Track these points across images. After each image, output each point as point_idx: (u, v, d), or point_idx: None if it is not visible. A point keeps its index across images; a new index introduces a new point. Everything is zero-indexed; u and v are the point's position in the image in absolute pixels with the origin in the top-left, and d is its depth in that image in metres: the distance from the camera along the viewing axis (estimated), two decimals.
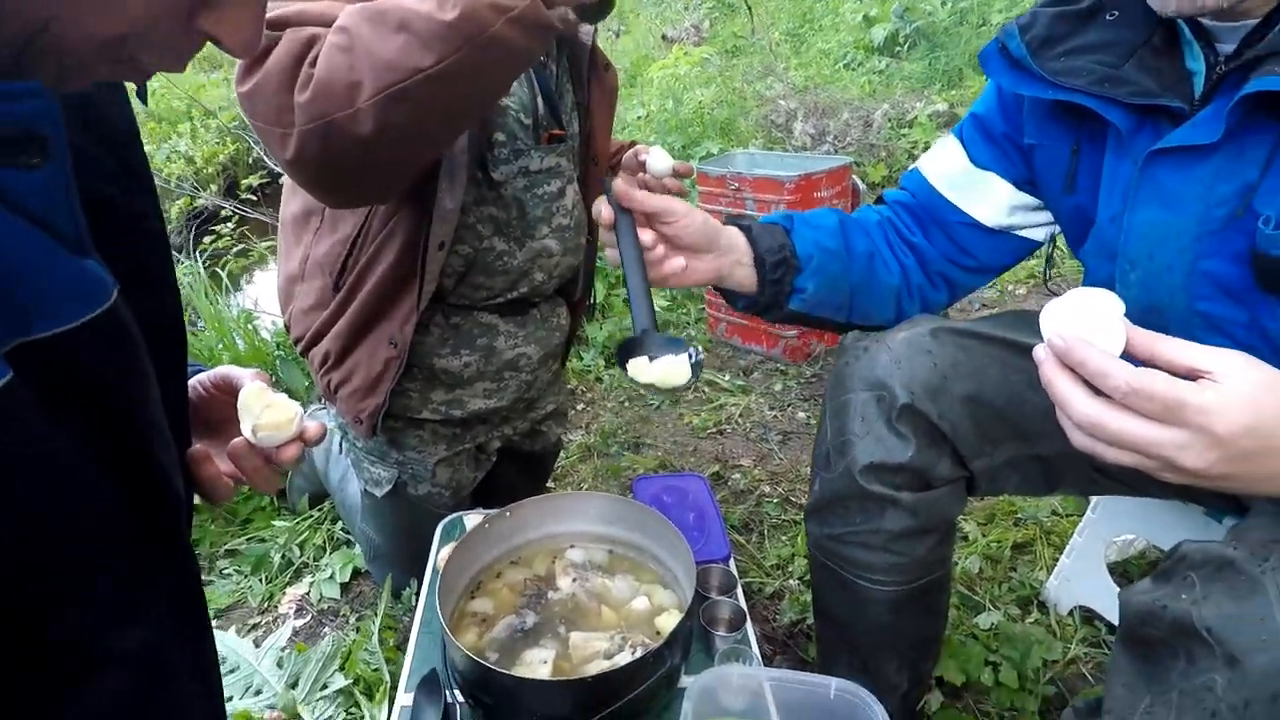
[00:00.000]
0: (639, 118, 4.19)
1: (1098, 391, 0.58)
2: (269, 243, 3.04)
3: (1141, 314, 0.85)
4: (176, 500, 0.58)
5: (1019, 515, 1.73)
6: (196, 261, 2.33)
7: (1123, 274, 0.87)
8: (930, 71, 5.14)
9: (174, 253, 2.46)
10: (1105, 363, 0.57)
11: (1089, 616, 1.45)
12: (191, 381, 0.76)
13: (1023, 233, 1.07)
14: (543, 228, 1.31)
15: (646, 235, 0.92)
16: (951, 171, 1.08)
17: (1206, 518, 1.11)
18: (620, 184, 0.93)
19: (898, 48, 5.56)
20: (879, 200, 1.16)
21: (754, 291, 1.02)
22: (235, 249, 3.15)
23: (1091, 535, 1.42)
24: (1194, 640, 0.61)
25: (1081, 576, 1.44)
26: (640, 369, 0.90)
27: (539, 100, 1.27)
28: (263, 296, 2.66)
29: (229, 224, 3.34)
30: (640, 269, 0.91)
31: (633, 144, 1.53)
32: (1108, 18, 0.82)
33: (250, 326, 2.21)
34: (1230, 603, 0.60)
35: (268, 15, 0.90)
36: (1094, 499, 1.42)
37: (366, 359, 1.27)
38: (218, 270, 2.65)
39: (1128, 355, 0.59)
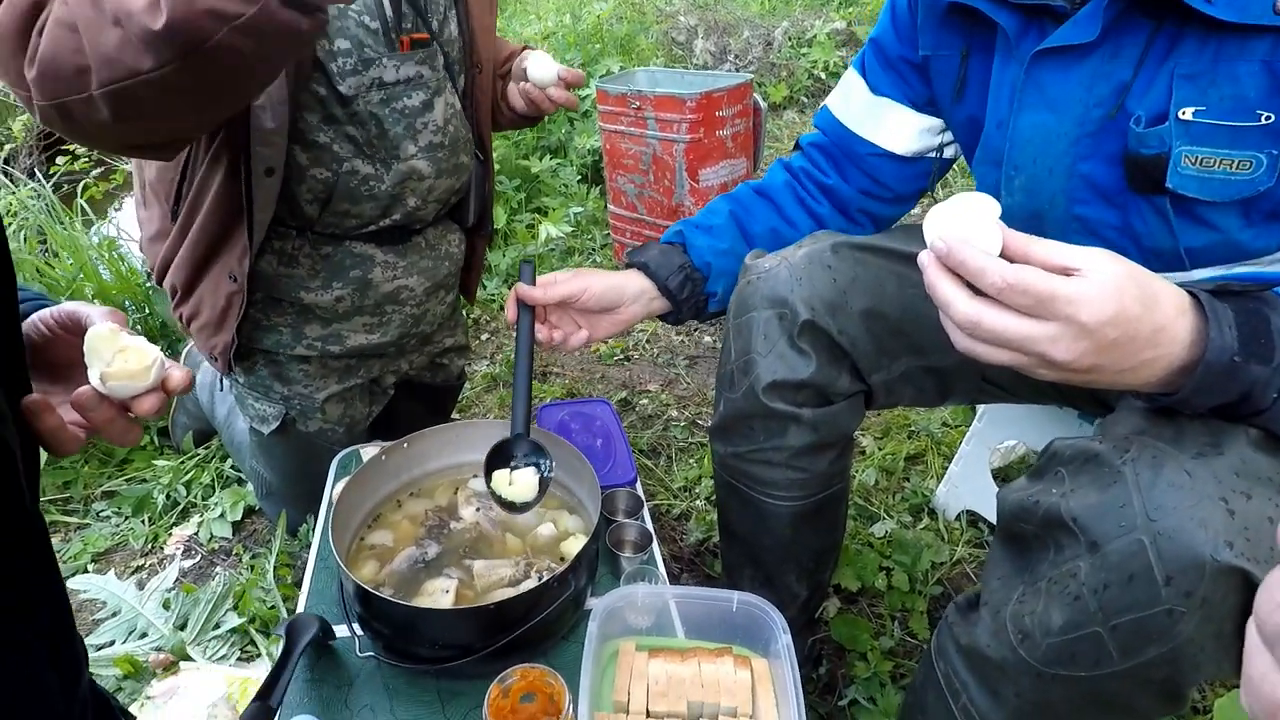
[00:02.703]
0: (535, 33, 3.99)
1: (978, 293, 0.59)
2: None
3: (1025, 219, 0.88)
4: (10, 466, 0.51)
5: (912, 428, 1.81)
6: (44, 184, 2.09)
7: (1008, 180, 0.88)
8: None
9: (14, 172, 2.20)
10: (982, 261, 0.58)
11: (974, 520, 1.54)
12: (32, 319, 0.67)
13: (935, 154, 1.07)
14: (408, 146, 1.18)
15: (542, 333, 1.04)
16: (856, 104, 1.08)
17: (1080, 420, 1.18)
18: (524, 286, 1.02)
19: None
20: (796, 146, 1.18)
21: (674, 311, 1.10)
22: (95, 171, 2.85)
23: (978, 443, 1.50)
24: (1062, 530, 0.64)
25: (968, 482, 1.52)
26: (501, 484, 0.97)
27: (386, 1, 1.11)
28: (132, 221, 2.43)
29: None
30: (527, 372, 1.01)
31: (526, 47, 1.42)
32: None
33: (115, 254, 2.02)
34: (1095, 493, 0.63)
35: None
36: (980, 409, 1.49)
37: (210, 293, 1.17)
38: (77, 195, 2.40)
39: (1004, 257, 0.59)
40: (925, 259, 0.62)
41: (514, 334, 1.02)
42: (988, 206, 0.62)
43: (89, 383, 0.61)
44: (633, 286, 1.08)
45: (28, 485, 0.54)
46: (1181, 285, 0.61)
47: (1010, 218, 0.89)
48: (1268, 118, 0.68)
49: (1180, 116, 0.72)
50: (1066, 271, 0.57)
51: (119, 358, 0.61)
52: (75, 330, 0.65)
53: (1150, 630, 0.58)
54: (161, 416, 1.81)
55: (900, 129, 1.05)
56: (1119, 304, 0.55)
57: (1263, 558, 0.55)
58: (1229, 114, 0.70)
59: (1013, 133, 0.85)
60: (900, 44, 1.01)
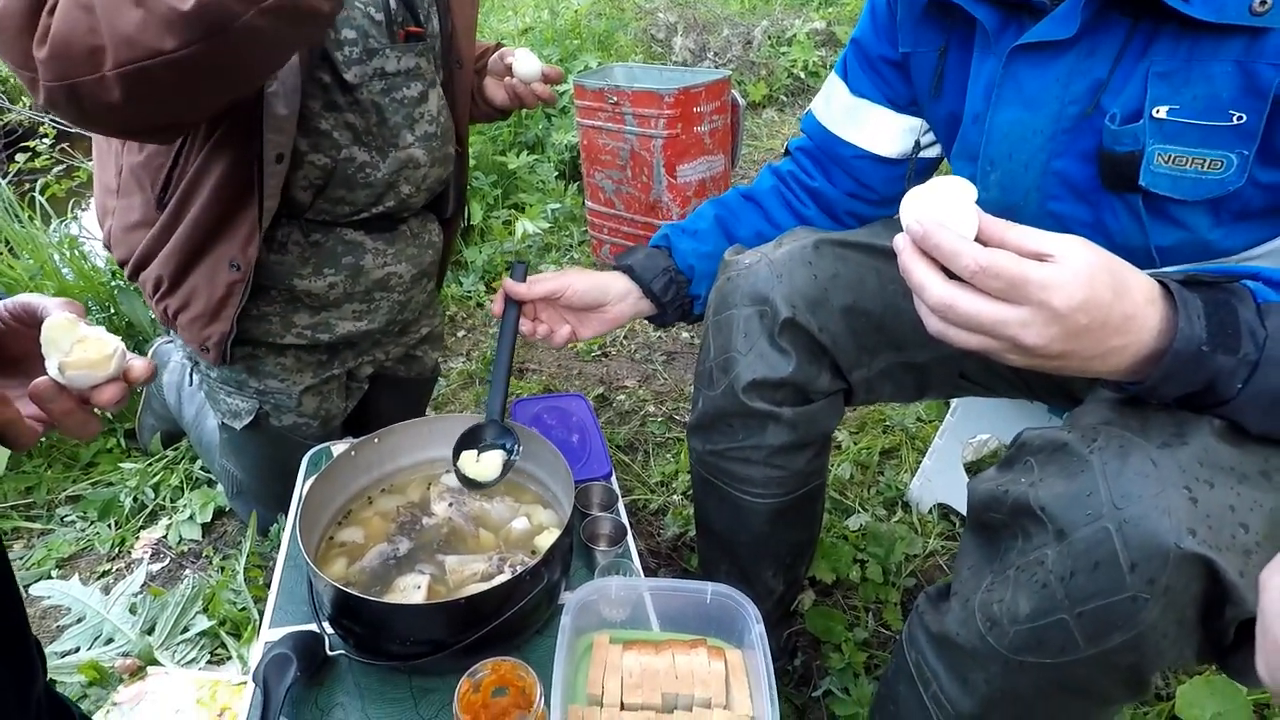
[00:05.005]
0: (514, 28, 3.97)
1: (952, 277, 0.59)
2: None
3: (999, 214, 0.86)
4: None
5: (887, 423, 1.83)
6: (1, 182, 2.05)
7: (983, 175, 0.88)
8: None
9: None
10: (957, 244, 0.58)
11: (946, 513, 1.56)
12: None
13: (924, 152, 1.07)
14: (406, 135, 1.20)
15: (526, 326, 1.07)
16: (837, 107, 1.08)
17: (1050, 414, 1.19)
18: (511, 282, 1.05)
19: None
20: (785, 152, 1.18)
21: (660, 313, 1.11)
22: (56, 168, 2.80)
23: (950, 437, 1.51)
24: (1030, 519, 0.64)
25: (941, 476, 1.53)
26: (467, 462, 1.02)
27: None
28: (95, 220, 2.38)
29: (46, 141, 2.96)
30: (507, 362, 1.03)
31: (499, 45, 1.44)
32: None
33: (77, 253, 1.98)
34: (1062, 482, 0.63)
35: None
36: (953, 403, 1.51)
37: (206, 283, 1.15)
38: (37, 195, 2.35)
39: (979, 241, 0.59)
40: (900, 242, 0.62)
41: (496, 329, 1.05)
42: (964, 190, 0.61)
43: (46, 374, 0.59)
44: (617, 287, 1.09)
45: None
46: (1152, 275, 0.61)
47: (986, 211, 0.90)
48: (1239, 118, 0.69)
49: (1154, 115, 0.72)
50: (1040, 257, 0.57)
51: (78, 348, 0.60)
52: (31, 322, 0.64)
53: (1115, 617, 0.58)
54: (127, 414, 1.78)
55: (882, 130, 1.05)
56: (1090, 290, 0.55)
57: (1223, 545, 0.56)
58: (1202, 113, 0.70)
59: (989, 128, 0.85)
60: (880, 43, 1.01)
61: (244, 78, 0.89)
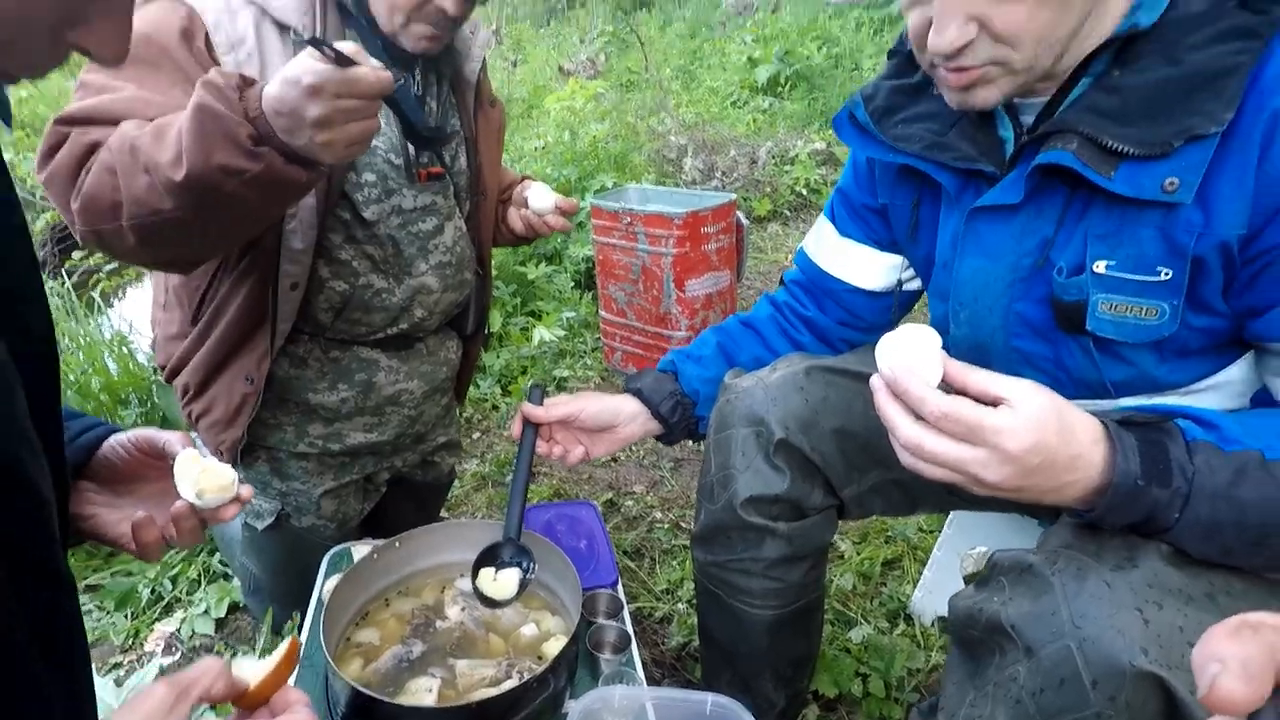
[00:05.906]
0: (537, 148, 4.23)
1: (920, 416, 0.67)
2: None
3: (970, 349, 0.96)
4: (45, 515, 0.57)
5: (889, 533, 1.86)
6: (62, 281, 2.19)
7: (954, 314, 0.97)
8: (809, 111, 5.46)
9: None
10: (923, 391, 0.66)
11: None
12: (111, 442, 0.80)
13: (906, 286, 1.16)
14: (420, 264, 1.30)
15: (543, 447, 1.16)
16: (827, 246, 1.19)
17: (1041, 527, 1.24)
18: (529, 406, 1.14)
19: (779, 88, 5.88)
20: (781, 282, 1.29)
21: (667, 433, 1.20)
22: (107, 266, 2.97)
23: (948, 549, 1.54)
24: (1004, 637, 0.69)
25: (942, 587, 1.56)
26: (485, 581, 1.07)
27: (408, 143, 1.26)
28: (138, 317, 2.52)
29: None
30: (524, 483, 1.11)
31: (526, 178, 1.57)
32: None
33: (124, 350, 2.09)
34: (1029, 601, 0.69)
35: (64, 111, 0.99)
36: (951, 516, 1.55)
37: (225, 393, 1.26)
38: (91, 293, 2.50)
39: (945, 383, 0.67)
40: (875, 383, 0.70)
41: (514, 442, 1.13)
42: (931, 338, 0.70)
43: (181, 499, 0.73)
44: (628, 409, 1.17)
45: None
46: (1095, 414, 0.69)
47: (958, 346, 0.98)
48: (1166, 274, 0.78)
49: (1095, 269, 0.81)
50: (997, 402, 0.65)
51: (203, 476, 0.73)
52: (151, 452, 0.78)
53: None
54: None
55: (867, 267, 1.15)
56: (1040, 434, 0.63)
57: (1174, 664, 0.61)
58: (1135, 269, 0.79)
59: (956, 274, 0.94)
60: (862, 193, 1.12)
61: (237, 233, 1.04)
